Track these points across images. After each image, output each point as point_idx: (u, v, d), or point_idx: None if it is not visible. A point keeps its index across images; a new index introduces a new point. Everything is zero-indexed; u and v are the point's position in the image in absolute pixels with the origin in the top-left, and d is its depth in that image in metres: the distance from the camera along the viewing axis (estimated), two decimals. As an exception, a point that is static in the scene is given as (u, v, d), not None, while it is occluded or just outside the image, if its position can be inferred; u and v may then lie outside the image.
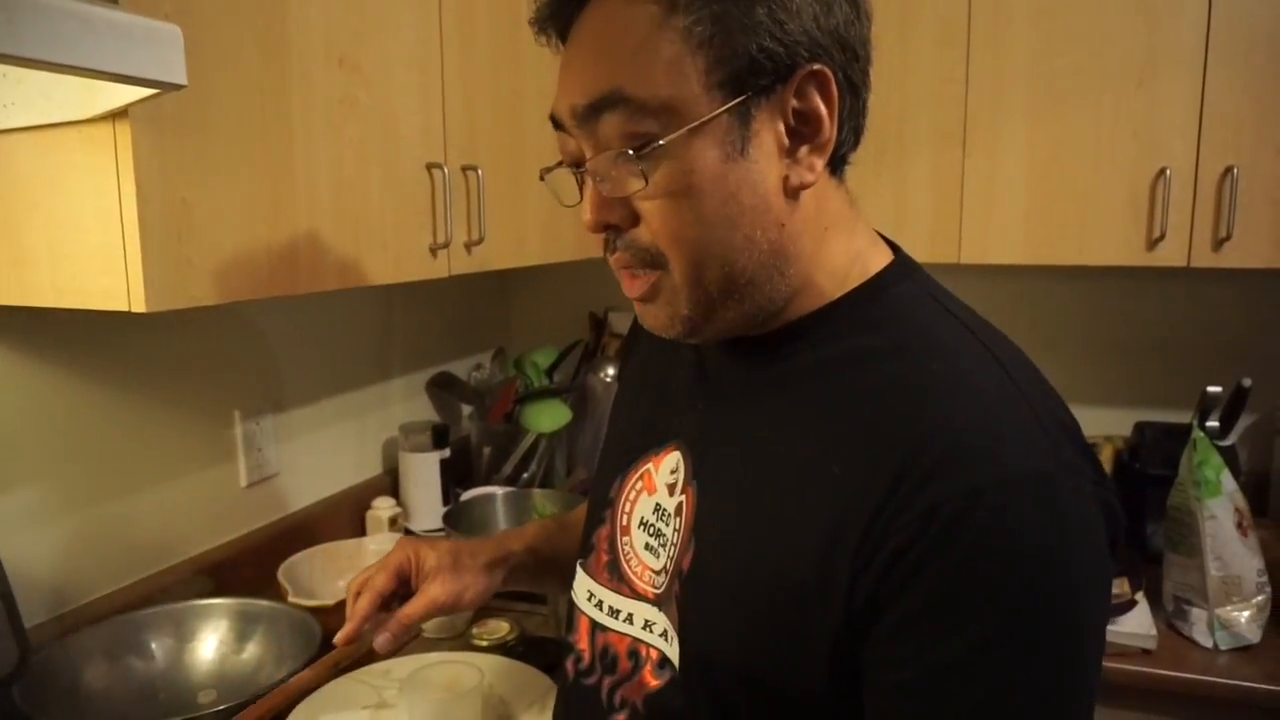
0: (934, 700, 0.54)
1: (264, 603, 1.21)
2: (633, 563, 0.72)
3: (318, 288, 1.06)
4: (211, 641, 1.17)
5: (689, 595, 0.66)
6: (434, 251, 1.26)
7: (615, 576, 0.73)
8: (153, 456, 1.30)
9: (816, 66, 0.59)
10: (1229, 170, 1.45)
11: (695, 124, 0.57)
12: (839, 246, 0.65)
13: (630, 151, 0.58)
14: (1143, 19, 1.48)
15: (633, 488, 0.75)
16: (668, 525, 0.70)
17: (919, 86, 1.61)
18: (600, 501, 0.79)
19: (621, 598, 0.72)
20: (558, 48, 0.65)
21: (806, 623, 0.58)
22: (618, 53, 0.59)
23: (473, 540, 0.94)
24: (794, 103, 0.59)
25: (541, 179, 0.70)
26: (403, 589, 0.88)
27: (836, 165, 0.65)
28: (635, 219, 0.62)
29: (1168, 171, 1.48)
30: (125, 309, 0.84)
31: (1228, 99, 1.45)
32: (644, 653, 0.69)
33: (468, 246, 1.33)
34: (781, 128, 0.60)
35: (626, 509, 0.75)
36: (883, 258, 0.68)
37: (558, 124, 0.64)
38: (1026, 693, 0.53)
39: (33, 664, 1.00)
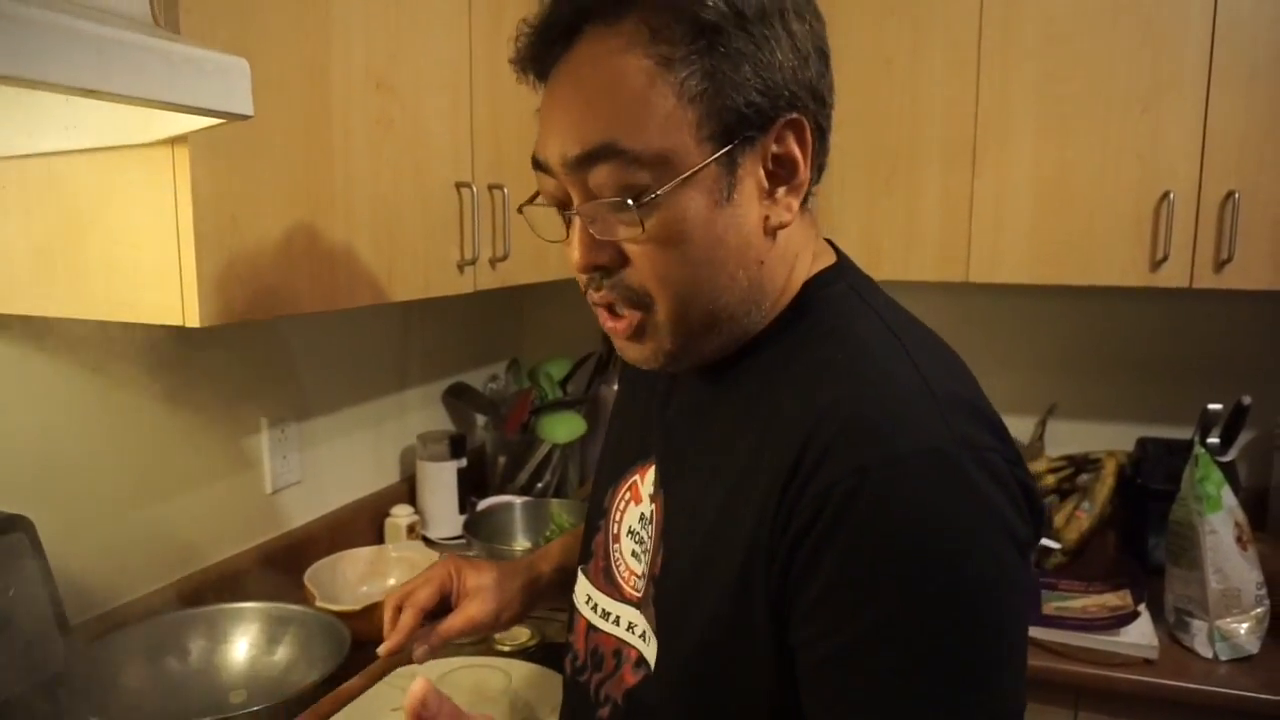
0: (846, 675, 0.56)
1: (294, 607, 1.24)
2: (622, 568, 0.77)
3: (354, 303, 1.10)
4: (243, 644, 1.21)
5: (660, 597, 0.70)
6: (461, 267, 1.30)
7: (609, 581, 0.78)
8: (186, 462, 1.33)
9: (794, 116, 0.62)
10: (1230, 194, 1.50)
11: (688, 174, 0.60)
12: (803, 268, 0.69)
13: (629, 201, 0.60)
14: (1148, 46, 1.53)
15: (622, 498, 0.80)
16: (647, 532, 0.75)
17: (930, 108, 1.66)
18: (596, 510, 0.84)
19: (613, 601, 0.77)
20: (536, 87, 0.66)
21: (744, 616, 0.61)
22: (612, 104, 0.60)
23: (509, 562, 0.99)
24: (774, 148, 0.63)
25: (519, 212, 0.72)
26: (442, 605, 0.92)
27: (808, 199, 0.67)
28: (623, 260, 0.64)
29: (1171, 195, 1.52)
30: (179, 323, 0.88)
31: (1230, 125, 1.50)
32: (626, 652, 0.74)
33: (493, 262, 1.37)
34: (762, 172, 0.63)
35: (617, 518, 0.80)
36: (824, 263, 0.71)
37: (541, 167, 0.65)
38: (933, 663, 0.54)
39: (76, 662, 1.04)
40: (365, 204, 1.11)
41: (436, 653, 0.89)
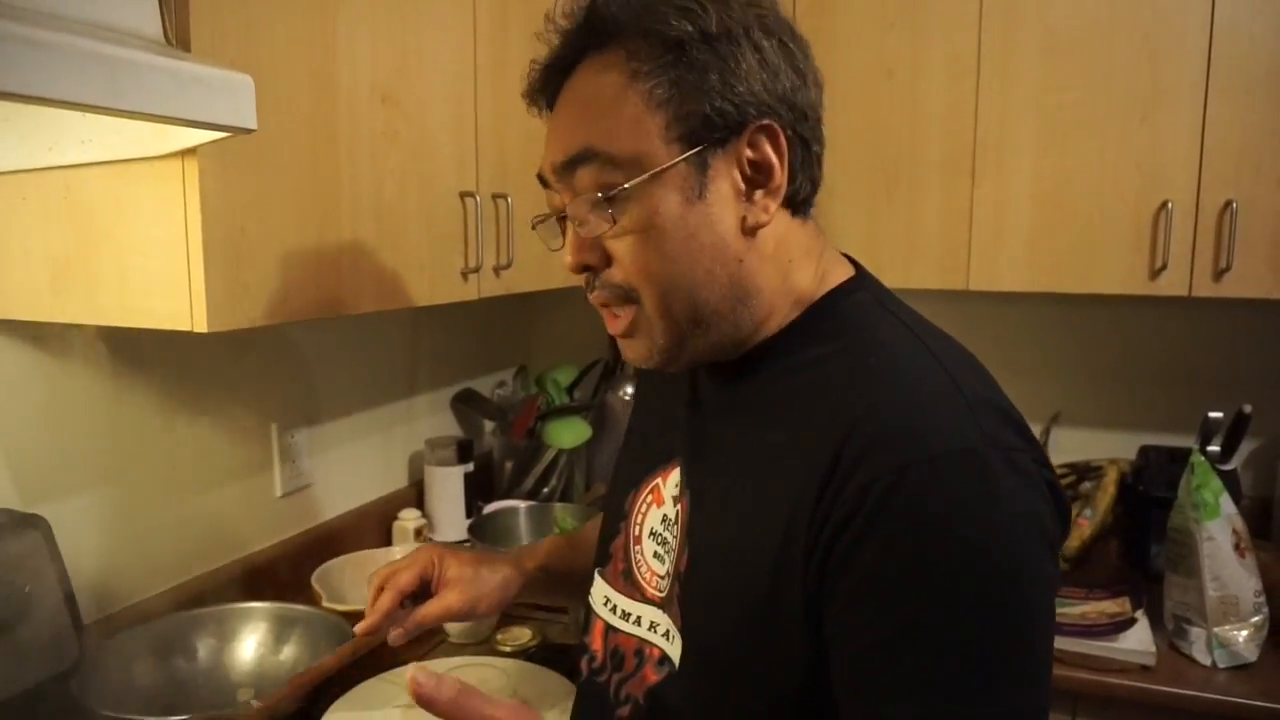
0: (882, 666, 0.58)
1: (300, 607, 1.27)
2: (643, 569, 0.79)
3: (359, 310, 1.13)
4: (251, 642, 1.24)
5: (687, 595, 0.72)
6: (465, 275, 1.33)
7: (629, 583, 0.80)
8: (198, 466, 1.37)
9: (765, 121, 0.66)
10: (1229, 203, 1.51)
11: (656, 170, 0.66)
12: (805, 275, 0.72)
13: (600, 196, 0.66)
14: (1146, 56, 1.54)
15: (644, 500, 0.82)
16: (670, 533, 0.77)
17: (930, 119, 1.68)
18: (616, 513, 0.86)
19: (633, 602, 0.79)
20: (544, 116, 0.73)
21: (778, 611, 0.63)
22: (589, 115, 0.68)
23: (491, 554, 1.01)
24: (748, 153, 0.67)
25: (533, 228, 0.78)
26: (422, 590, 0.95)
27: (800, 207, 0.71)
28: (608, 260, 0.69)
29: (1170, 204, 1.54)
30: (188, 329, 0.91)
31: (1228, 134, 1.51)
32: (647, 651, 0.76)
33: (497, 270, 1.40)
34: (737, 175, 0.67)
35: (639, 520, 0.82)
36: (842, 275, 0.74)
37: (544, 182, 0.72)
38: (966, 653, 0.57)
39: (89, 659, 1.07)
40: (371, 213, 1.14)
41: (412, 636, 0.93)
